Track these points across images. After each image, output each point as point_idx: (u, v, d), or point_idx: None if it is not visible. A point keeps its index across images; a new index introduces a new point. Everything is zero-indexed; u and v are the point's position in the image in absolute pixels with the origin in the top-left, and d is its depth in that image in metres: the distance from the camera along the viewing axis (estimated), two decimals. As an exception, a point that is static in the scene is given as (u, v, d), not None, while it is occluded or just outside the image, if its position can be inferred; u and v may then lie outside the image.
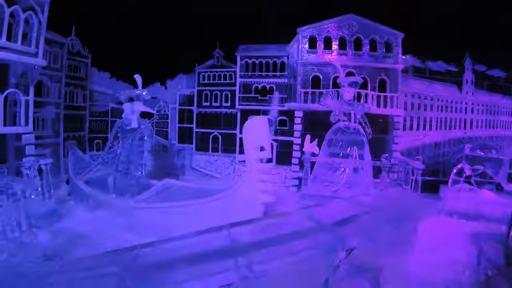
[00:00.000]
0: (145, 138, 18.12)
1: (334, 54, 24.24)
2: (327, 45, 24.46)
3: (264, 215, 11.29)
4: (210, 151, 31.42)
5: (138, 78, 17.86)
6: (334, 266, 6.07)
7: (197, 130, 32.16)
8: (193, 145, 32.26)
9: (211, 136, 31.45)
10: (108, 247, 6.41)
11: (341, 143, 17.68)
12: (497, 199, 16.23)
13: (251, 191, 12.07)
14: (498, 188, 17.29)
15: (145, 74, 18.61)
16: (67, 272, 5.52)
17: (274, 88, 28.79)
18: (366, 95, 23.43)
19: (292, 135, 25.10)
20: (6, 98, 15.63)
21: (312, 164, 18.43)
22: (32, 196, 14.70)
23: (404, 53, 24.83)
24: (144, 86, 18.43)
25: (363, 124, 17.93)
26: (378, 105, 23.82)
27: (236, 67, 29.91)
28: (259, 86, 29.14)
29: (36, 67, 16.72)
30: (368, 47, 24.20)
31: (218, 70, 31.23)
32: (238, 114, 29.57)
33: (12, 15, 15.21)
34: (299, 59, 24.77)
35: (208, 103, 31.70)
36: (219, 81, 31.25)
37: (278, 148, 27.24)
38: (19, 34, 15.62)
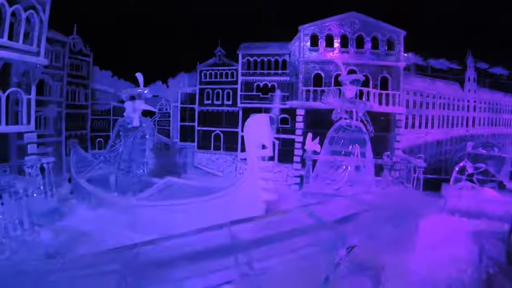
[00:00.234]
0: (147, 137, 18.14)
1: (335, 52, 24.21)
2: (329, 43, 24.42)
3: (266, 213, 11.30)
4: (212, 149, 31.43)
5: (139, 76, 17.87)
6: (334, 263, 6.07)
7: (199, 128, 32.18)
8: (195, 143, 32.27)
9: (213, 134, 31.46)
10: (110, 245, 6.42)
11: (342, 141, 17.67)
12: (499, 197, 16.20)
13: (252, 189, 12.08)
14: (500, 186, 17.25)
15: (147, 72, 18.62)
16: (68, 270, 5.54)
17: (276, 86, 28.78)
18: (368, 93, 23.40)
19: (294, 133, 25.10)
20: (8, 97, 15.68)
21: (314, 162, 18.42)
22: (35, 195, 14.74)
23: (406, 50, 24.78)
24: (146, 84, 18.45)
25: (365, 122, 17.90)
26: (380, 103, 23.79)
27: (237, 65, 29.89)
28: (261, 84, 29.13)
29: (38, 66, 16.74)
30: (370, 44, 24.15)
31: (220, 68, 31.24)
32: (240, 112, 29.57)
33: (13, 14, 15.24)
34: (301, 57, 24.75)
35: (210, 101, 31.70)
36: (221, 79, 31.26)
37: (280, 146, 27.24)
38: (21, 33, 15.65)
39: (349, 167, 17.46)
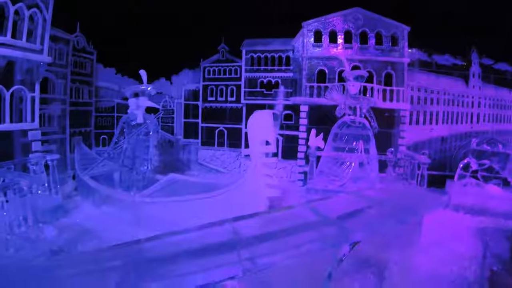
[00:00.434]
0: (151, 133, 18.17)
1: (339, 47, 24.13)
2: (333, 39, 24.35)
3: (269, 209, 11.30)
4: (215, 146, 31.45)
5: (143, 73, 17.89)
6: (337, 259, 6.06)
7: (202, 125, 32.19)
8: (199, 140, 32.30)
9: (216, 131, 31.47)
10: (114, 242, 6.42)
11: (346, 137, 17.65)
12: (503, 194, 16.12)
13: (256, 185, 12.09)
14: (505, 183, 17.17)
15: (151, 69, 18.64)
16: (72, 266, 5.55)
17: (280, 82, 28.75)
18: (372, 89, 23.33)
19: (297, 130, 25.07)
20: (12, 95, 15.77)
21: (318, 158, 18.41)
22: (39, 192, 14.82)
23: (410, 46, 24.67)
24: (150, 81, 18.47)
25: (369, 118, 17.87)
26: (384, 99, 23.71)
27: (241, 61, 29.88)
28: (265, 81, 29.11)
29: (41, 64, 16.83)
30: (374, 40, 24.06)
31: (224, 65, 31.21)
32: (244, 109, 29.58)
33: (16, 12, 15.31)
34: (304, 53, 24.69)
35: (213, 98, 31.70)
36: (225, 76, 31.23)
37: (284, 142, 27.24)
38: (24, 31, 15.75)
39: (353, 164, 17.45)
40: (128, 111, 18.43)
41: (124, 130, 18.43)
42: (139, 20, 32.08)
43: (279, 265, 5.37)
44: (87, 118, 29.46)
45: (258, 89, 29.15)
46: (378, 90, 23.54)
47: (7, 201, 11.88)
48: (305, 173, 21.97)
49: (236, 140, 30.36)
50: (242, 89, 29.64)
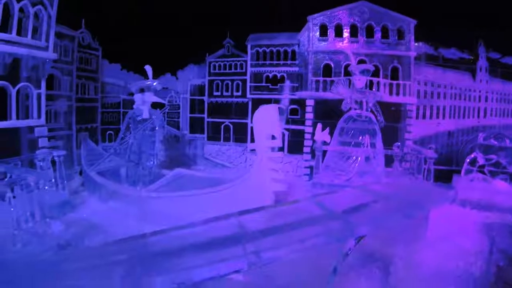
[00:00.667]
0: (157, 128, 18.20)
1: (345, 41, 24.00)
2: (338, 33, 24.22)
3: (275, 204, 11.30)
4: (221, 141, 31.48)
5: (148, 69, 17.90)
6: (343, 254, 6.05)
7: (208, 120, 32.22)
8: (205, 135, 32.33)
9: (222, 126, 31.49)
10: (121, 236, 6.45)
11: (352, 131, 17.60)
12: (510, 189, 16.03)
13: (261, 180, 12.09)
14: (512, 177, 17.07)
15: (156, 64, 18.65)
16: (78, 260, 5.59)
17: (285, 77, 28.66)
18: (378, 83, 23.21)
19: (303, 124, 25.02)
20: (18, 91, 15.86)
21: (324, 153, 18.37)
22: (46, 188, 14.91)
23: (416, 40, 24.50)
24: (155, 77, 18.48)
25: (375, 113, 17.79)
26: (391, 93, 23.58)
27: (246, 56, 29.82)
28: (270, 75, 29.04)
29: (47, 60, 16.92)
30: (380, 34, 23.91)
31: (229, 59, 31.18)
32: (249, 104, 29.54)
33: (21, 10, 15.37)
34: (310, 47, 24.59)
35: (219, 93, 31.69)
36: (230, 71, 31.20)
37: (290, 137, 27.20)
38: (29, 28, 15.83)
39: (359, 158, 17.41)
40: (134, 106, 18.47)
41: (130, 125, 18.47)
42: (145, 16, 32.11)
43: (284, 259, 5.38)
44: (93, 114, 29.58)
45: (263, 84, 29.11)
46: (384, 84, 23.42)
47: (14, 197, 11.97)
48: (311, 167, 21.95)
49: (242, 134, 30.36)
50: (248, 84, 29.60)
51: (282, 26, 28.56)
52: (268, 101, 26.68)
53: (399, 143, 19.81)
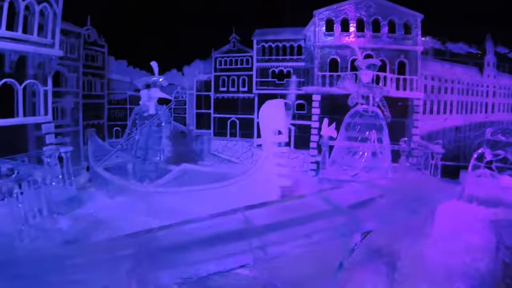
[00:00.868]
0: (163, 124, 18.27)
1: (351, 36, 23.83)
2: (345, 28, 24.07)
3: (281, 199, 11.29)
4: (228, 136, 31.47)
5: (154, 65, 17.95)
6: (349, 249, 6.04)
7: (214, 115, 32.21)
8: (211, 130, 32.35)
9: (228, 121, 31.46)
10: (128, 231, 6.49)
11: (359, 126, 17.56)
12: (518, 185, 15.95)
13: (267, 175, 12.08)
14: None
15: (162, 61, 18.68)
16: (85, 255, 5.63)
17: (292, 72, 28.52)
18: (385, 77, 23.04)
19: (310, 119, 24.93)
20: (25, 89, 15.96)
21: (331, 148, 18.34)
22: (53, 184, 15.01)
23: (423, 34, 24.31)
24: (161, 73, 18.52)
25: (382, 108, 17.74)
26: (398, 88, 23.42)
27: (252, 51, 29.73)
28: (276, 70, 28.93)
29: (53, 57, 16.98)
30: (387, 28, 23.72)
31: (235, 55, 31.09)
32: (256, 99, 29.48)
33: (27, 7, 15.44)
34: (316, 42, 24.47)
35: (225, 88, 31.63)
36: (236, 66, 31.11)
37: (296, 132, 27.14)
38: (35, 26, 15.91)
39: (365, 153, 17.37)
40: (140, 102, 18.55)
41: (137, 121, 18.57)
42: (150, 12, 32.10)
43: (290, 254, 5.38)
44: (100, 111, 29.66)
45: (270, 79, 29.02)
46: (391, 79, 23.26)
47: (21, 193, 12.07)
48: (317, 163, 21.91)
49: (248, 130, 30.33)
50: (254, 79, 29.52)
51: (288, 21, 28.44)
52: (274, 96, 26.59)
53: (406, 138, 19.74)
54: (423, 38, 24.43)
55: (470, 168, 17.34)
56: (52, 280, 4.99)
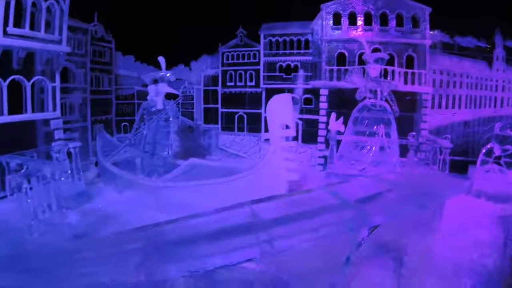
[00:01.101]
0: (171, 119, 18.32)
1: (359, 30, 23.67)
2: (352, 21, 23.92)
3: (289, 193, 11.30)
4: (235, 131, 31.49)
5: (161, 60, 17.98)
6: (356, 243, 6.03)
7: (222, 110, 32.23)
8: (219, 125, 32.38)
9: (236, 116, 31.47)
10: (136, 226, 6.53)
11: (367, 121, 17.51)
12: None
13: (275, 169, 12.09)
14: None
15: (169, 56, 18.71)
16: (94, 249, 5.68)
17: (299, 66, 28.41)
18: (393, 71, 22.89)
19: (317, 114, 24.86)
20: (33, 85, 16.08)
21: (338, 142, 18.30)
22: (62, 179, 15.13)
23: (432, 28, 24.10)
24: (168, 68, 18.55)
25: (390, 102, 17.66)
26: (406, 82, 23.26)
27: (259, 46, 29.65)
28: (284, 65, 28.83)
29: (61, 54, 17.10)
30: (395, 22, 23.54)
31: (242, 49, 31.02)
32: (263, 93, 29.44)
33: (34, 4, 15.52)
34: (324, 36, 24.36)
35: (232, 83, 31.61)
36: (243, 61, 31.05)
37: (304, 126, 27.09)
38: (42, 22, 16.00)
39: (373, 148, 17.32)
40: (148, 97, 18.60)
41: (145, 116, 18.64)
42: (157, 7, 32.10)
43: (297, 248, 5.39)
44: (107, 106, 29.79)
45: (277, 73, 28.94)
46: (399, 73, 23.10)
47: (31, 188, 12.19)
48: (325, 157, 21.87)
49: (256, 124, 30.31)
50: (261, 74, 29.46)
51: (296, 15, 28.29)
52: (281, 91, 26.47)
53: (414, 133, 19.63)
54: (431, 32, 24.22)
55: (478, 163, 17.21)
56: (61, 274, 5.04)
